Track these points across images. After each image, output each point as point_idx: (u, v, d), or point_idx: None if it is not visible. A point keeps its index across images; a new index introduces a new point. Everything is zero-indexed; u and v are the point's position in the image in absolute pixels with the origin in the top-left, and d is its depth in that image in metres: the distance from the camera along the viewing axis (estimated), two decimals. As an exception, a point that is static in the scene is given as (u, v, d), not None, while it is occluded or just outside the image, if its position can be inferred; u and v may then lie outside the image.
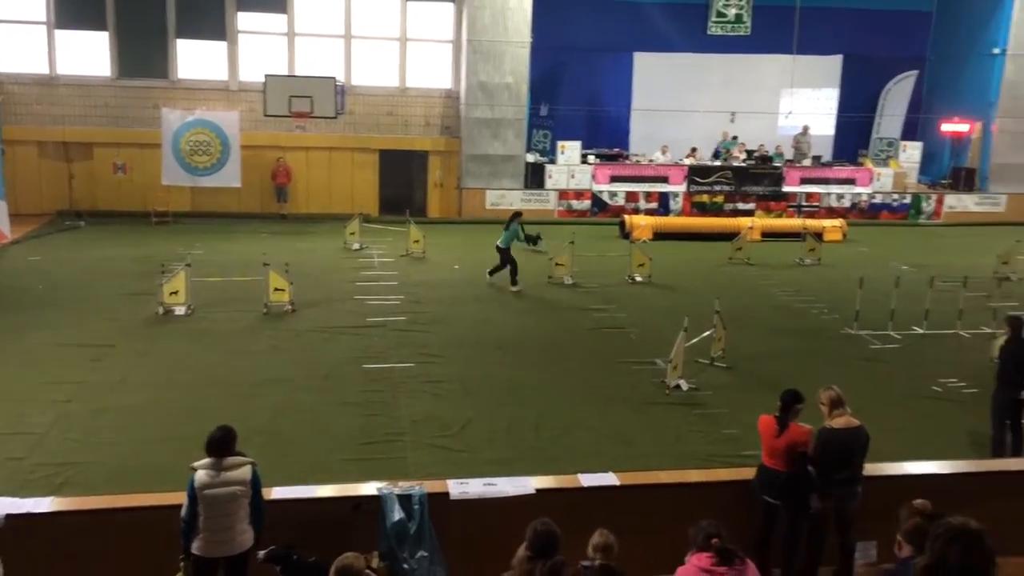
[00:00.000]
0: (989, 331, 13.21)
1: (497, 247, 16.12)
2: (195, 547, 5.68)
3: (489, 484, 6.56)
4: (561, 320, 14.32)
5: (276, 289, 14.18)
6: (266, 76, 21.76)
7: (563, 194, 23.61)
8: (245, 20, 23.27)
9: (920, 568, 3.44)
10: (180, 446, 8.22)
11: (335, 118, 22.11)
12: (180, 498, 5.78)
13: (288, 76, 22.55)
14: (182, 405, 10.10)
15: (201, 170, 22.05)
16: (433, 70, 24.11)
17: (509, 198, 23.34)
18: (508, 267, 16.00)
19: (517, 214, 16.65)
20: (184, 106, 22.38)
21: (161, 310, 13.78)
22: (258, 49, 23.35)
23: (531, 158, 24.17)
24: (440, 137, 23.95)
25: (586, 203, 23.72)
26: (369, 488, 6.42)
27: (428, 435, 9.59)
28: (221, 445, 5.72)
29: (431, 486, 6.52)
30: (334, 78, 22.01)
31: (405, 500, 6.23)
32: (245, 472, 5.71)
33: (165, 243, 19.34)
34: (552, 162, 23.94)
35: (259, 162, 22.83)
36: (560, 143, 23.88)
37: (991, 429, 9.24)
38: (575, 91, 25.01)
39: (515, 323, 14.03)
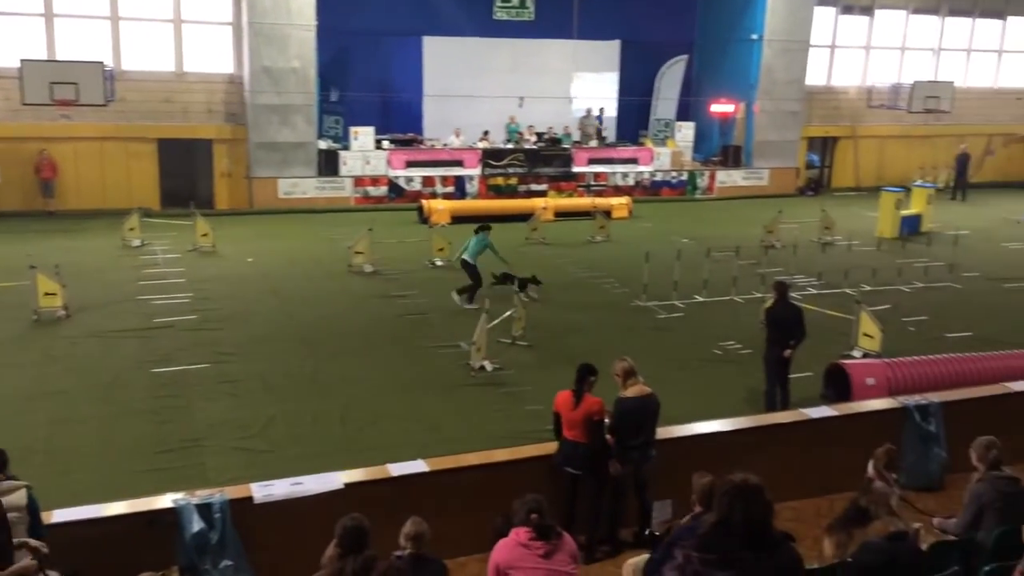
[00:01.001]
0: (759, 295, 14.41)
1: (463, 262, 14.27)
2: (-35, 585, 5.13)
3: (295, 484, 6.39)
4: (363, 309, 14.14)
5: (46, 293, 12.98)
6: (22, 61, 19.78)
7: (359, 181, 23.25)
8: (-8, -1, 21.04)
9: (709, 523, 3.72)
10: (-60, 475, 7.37)
11: (105, 106, 20.47)
12: (-58, 534, 5.19)
13: (48, 61, 20.61)
14: (-60, 429, 9.06)
15: (-51, 166, 19.80)
16: (213, 54, 22.89)
17: (303, 186, 22.69)
18: (473, 282, 14.23)
19: (485, 227, 14.71)
20: (-77, 94, 19.96)
21: (-92, 325, 12.29)
22: (11, 31, 21.17)
23: (323, 145, 23.59)
24: (225, 124, 22.82)
25: (383, 189, 23.49)
26: (165, 501, 6.07)
27: (228, 438, 9.19)
28: (-11, 470, 5.20)
29: (233, 491, 6.26)
30: (102, 63, 20.38)
31: (204, 509, 5.95)
32: (19, 497, 5.22)
33: (-91, 249, 17.23)
34: (346, 148, 23.50)
35: (19, 155, 20.78)
36: (353, 129, 23.46)
37: (765, 385, 10.11)
38: (366, 76, 24.60)
39: (316, 315, 13.70)
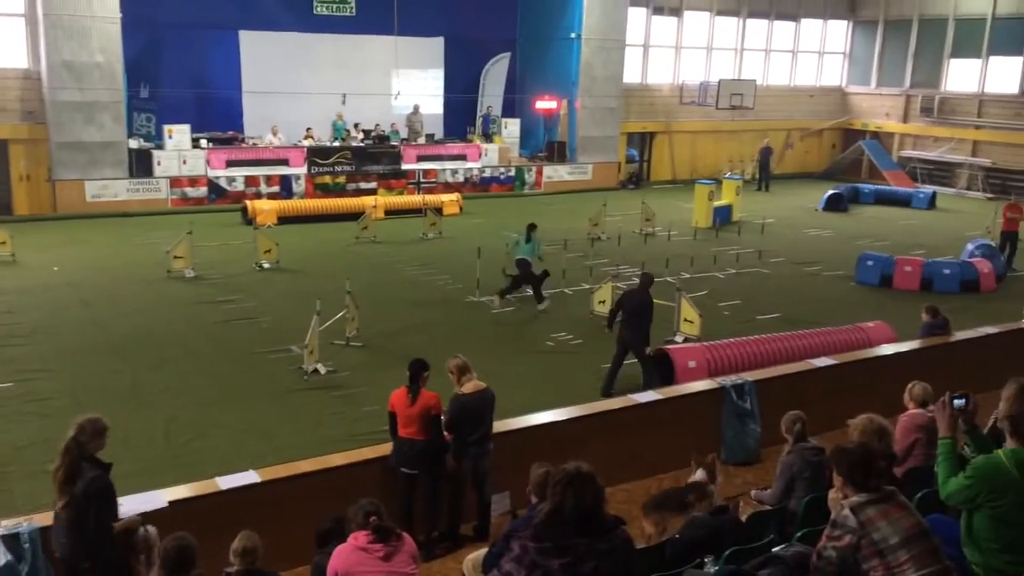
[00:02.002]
0: (587, 287, 14.87)
1: (518, 261, 14.14)
2: None
3: (114, 506, 5.98)
4: (185, 316, 13.46)
5: None
6: None
7: (176, 182, 22.08)
8: None
9: (544, 513, 3.80)
10: None
11: None
12: None
13: None
14: None
15: None
16: (5, 48, 21.05)
17: (113, 189, 21.30)
18: (530, 283, 14.10)
19: (533, 226, 14.47)
20: None
21: None
22: None
23: (135, 144, 22.24)
24: (22, 124, 21.05)
25: (202, 190, 22.43)
26: (-34, 534, 5.54)
27: (38, 462, 8.48)
28: None
29: (44, 519, 5.79)
30: None
31: (12, 540, 5.50)
32: None
33: None
34: (160, 148, 22.25)
35: None
36: (167, 127, 22.24)
37: (611, 366, 10.53)
38: (179, 71, 23.36)
39: (132, 324, 12.91)
